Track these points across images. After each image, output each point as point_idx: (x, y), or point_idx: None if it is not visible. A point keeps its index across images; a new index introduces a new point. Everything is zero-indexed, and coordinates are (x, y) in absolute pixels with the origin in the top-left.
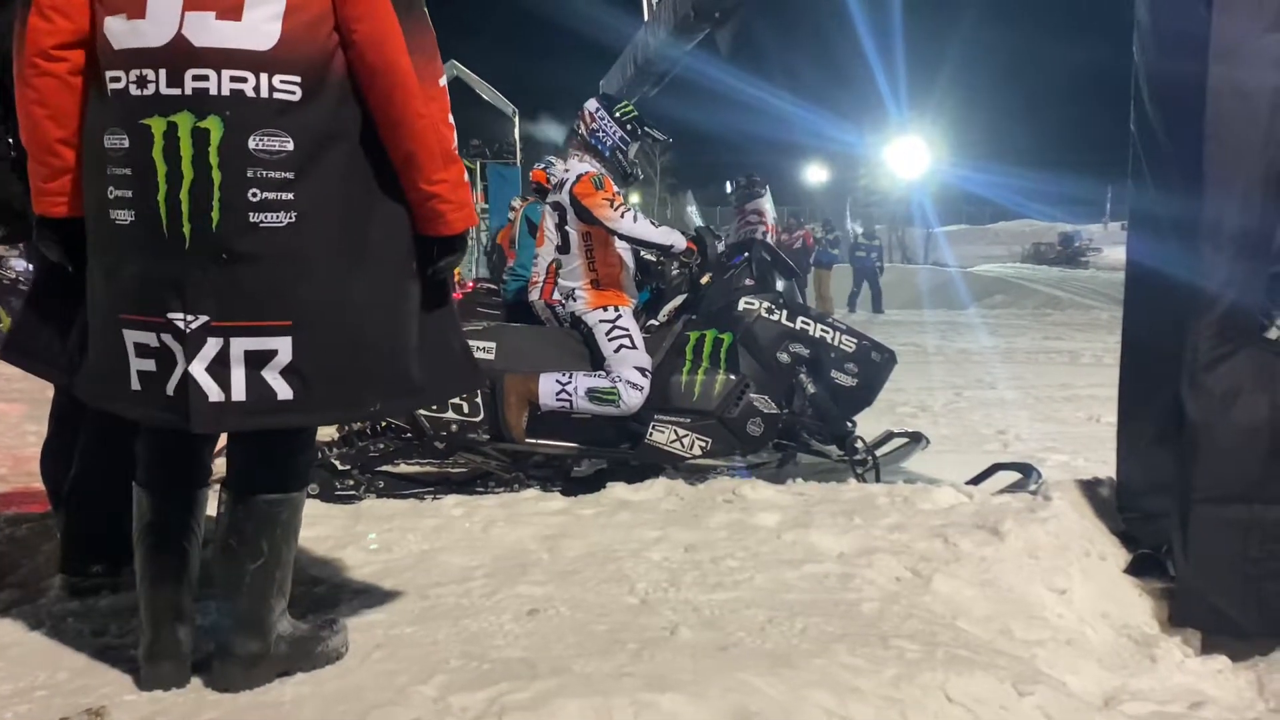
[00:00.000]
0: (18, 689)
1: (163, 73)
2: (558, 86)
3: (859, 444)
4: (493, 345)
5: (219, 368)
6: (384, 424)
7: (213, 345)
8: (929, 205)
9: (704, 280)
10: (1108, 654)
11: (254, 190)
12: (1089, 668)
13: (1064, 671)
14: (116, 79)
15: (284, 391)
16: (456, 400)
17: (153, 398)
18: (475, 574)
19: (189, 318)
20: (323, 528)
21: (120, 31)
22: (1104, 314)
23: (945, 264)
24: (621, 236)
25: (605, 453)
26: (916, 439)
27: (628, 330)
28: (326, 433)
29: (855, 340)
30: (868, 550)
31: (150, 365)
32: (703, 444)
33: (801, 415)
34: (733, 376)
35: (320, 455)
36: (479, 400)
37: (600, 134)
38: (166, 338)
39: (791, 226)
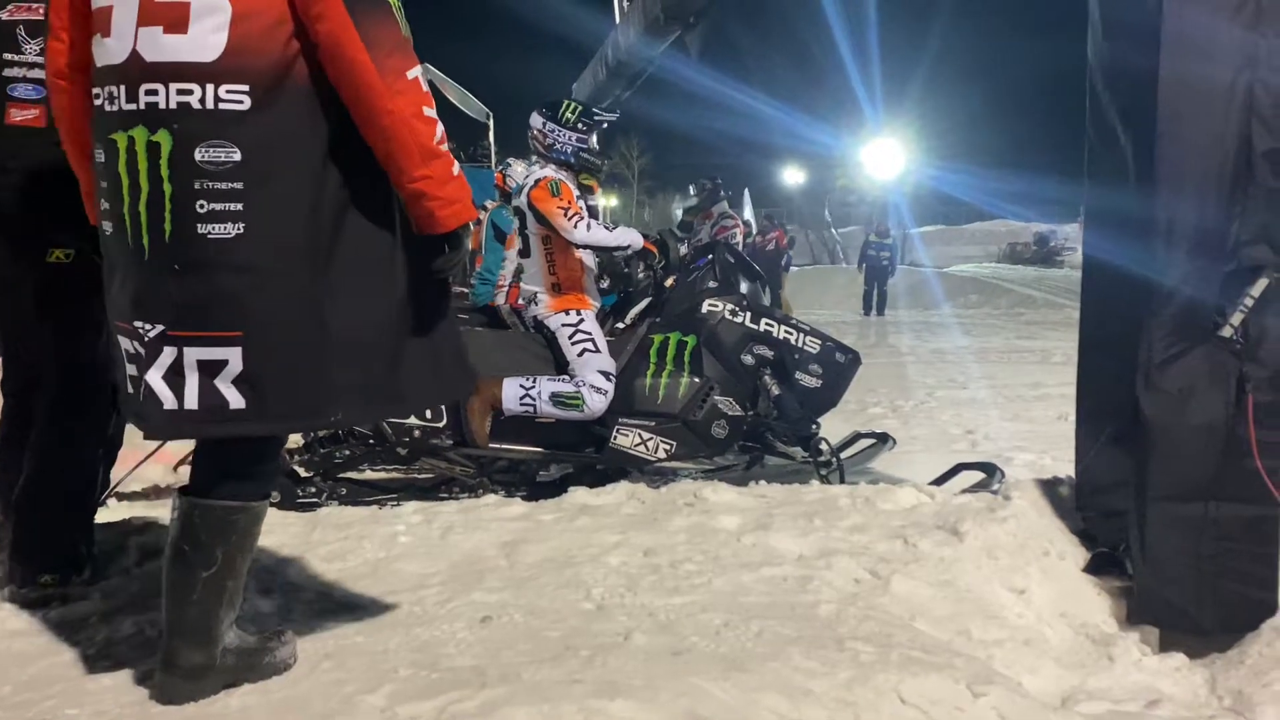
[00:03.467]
0: None
1: (122, 88)
2: (531, 88)
3: (823, 446)
4: None
5: (174, 376)
6: (347, 430)
7: (168, 354)
8: (905, 206)
9: (668, 283)
10: (1066, 653)
11: (201, 201)
12: (1047, 667)
13: (1021, 671)
14: (97, 95)
15: (236, 401)
16: None
17: (129, 401)
18: (431, 581)
19: (147, 326)
20: (279, 535)
21: (98, 50)
22: (1076, 313)
23: (921, 264)
24: (578, 246)
25: (570, 457)
26: (883, 440)
27: (590, 334)
28: (290, 440)
29: (819, 341)
30: (827, 552)
31: (133, 370)
32: (667, 447)
33: (766, 417)
34: (697, 379)
35: (281, 463)
36: (442, 405)
37: (557, 145)
38: (135, 344)
39: (765, 228)
